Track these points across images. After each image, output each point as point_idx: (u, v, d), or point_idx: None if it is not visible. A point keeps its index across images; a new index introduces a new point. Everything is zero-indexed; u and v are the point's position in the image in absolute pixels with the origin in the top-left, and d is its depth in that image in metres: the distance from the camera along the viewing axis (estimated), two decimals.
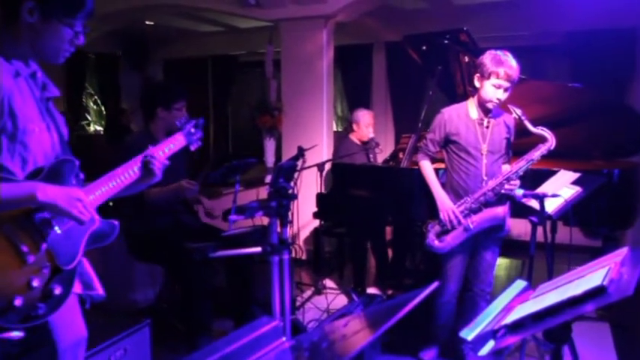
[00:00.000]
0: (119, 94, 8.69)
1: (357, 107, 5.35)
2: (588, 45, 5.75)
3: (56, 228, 1.60)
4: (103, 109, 8.85)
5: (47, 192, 1.51)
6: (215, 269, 3.61)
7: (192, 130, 2.08)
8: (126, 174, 1.79)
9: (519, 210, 2.94)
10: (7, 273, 1.48)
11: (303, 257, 5.40)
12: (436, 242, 2.94)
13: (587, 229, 3.78)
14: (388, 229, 5.01)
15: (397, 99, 7.10)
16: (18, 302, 1.47)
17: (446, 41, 3.74)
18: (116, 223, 1.80)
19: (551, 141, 2.80)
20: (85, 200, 1.59)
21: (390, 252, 4.85)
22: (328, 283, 4.67)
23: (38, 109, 1.63)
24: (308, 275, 4.96)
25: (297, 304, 4.09)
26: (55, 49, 1.63)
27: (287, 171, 3.04)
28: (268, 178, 5.78)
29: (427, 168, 3.07)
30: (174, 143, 2.00)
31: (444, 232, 2.91)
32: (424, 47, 3.93)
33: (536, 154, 2.81)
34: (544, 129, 2.80)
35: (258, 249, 2.90)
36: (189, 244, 3.03)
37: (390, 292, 4.45)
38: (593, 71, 5.66)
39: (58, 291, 1.57)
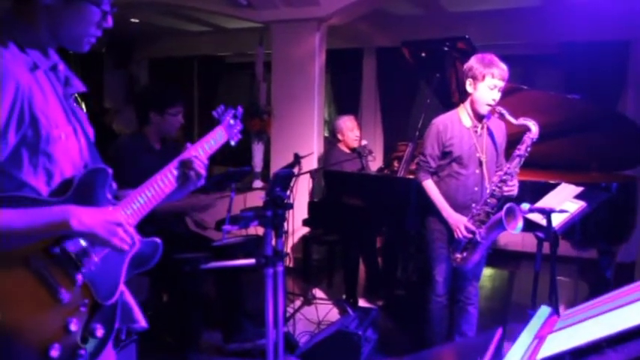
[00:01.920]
0: (102, 93, 8.46)
1: (346, 112, 5.29)
2: (581, 56, 5.73)
3: (93, 256, 1.34)
4: (83, 107, 8.61)
5: (83, 219, 1.25)
6: (203, 279, 3.47)
7: (232, 121, 1.80)
8: (165, 180, 1.52)
9: (524, 224, 2.87)
10: (37, 317, 1.22)
11: (291, 265, 5.27)
12: (459, 261, 2.90)
13: (585, 242, 3.72)
14: (378, 238, 4.92)
15: (387, 105, 7.01)
16: (55, 352, 1.22)
17: (446, 48, 3.66)
18: (159, 241, 1.54)
19: (536, 129, 2.74)
20: (125, 224, 1.34)
21: (380, 261, 4.76)
22: (317, 292, 4.55)
23: (63, 110, 1.35)
24: (296, 284, 4.83)
25: (287, 314, 3.96)
26: (80, 34, 1.35)
27: (283, 179, 2.93)
28: (256, 183, 5.65)
29: (432, 188, 2.97)
30: (215, 138, 1.70)
31: (464, 249, 2.84)
32: (423, 54, 3.84)
33: (523, 147, 2.77)
34: (526, 119, 2.76)
35: (252, 261, 2.78)
36: (179, 254, 2.89)
37: (380, 302, 4.35)
38: (585, 82, 5.65)
39: (100, 332, 1.33)
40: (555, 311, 1.54)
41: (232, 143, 1.82)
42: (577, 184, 3.05)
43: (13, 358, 1.18)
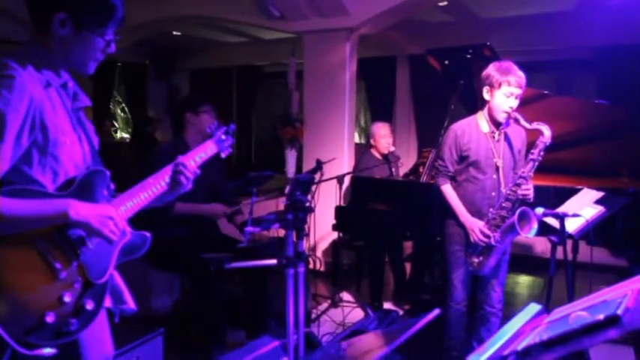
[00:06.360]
0: (146, 103, 8.83)
1: (380, 119, 5.37)
2: (616, 60, 5.64)
3: (88, 243, 1.58)
4: (129, 116, 9.00)
5: (79, 210, 1.50)
6: (232, 280, 3.61)
7: (223, 136, 2.04)
8: (157, 185, 1.76)
9: (540, 228, 2.88)
10: (38, 288, 1.47)
11: (322, 269, 5.38)
12: (476, 265, 2.93)
13: (613, 249, 3.67)
14: (407, 244, 4.98)
15: (420, 112, 7.07)
16: (50, 318, 1.45)
17: (468, 56, 3.70)
18: (147, 235, 1.76)
19: (548, 133, 2.77)
20: (116, 218, 1.57)
21: (408, 267, 4.81)
22: (345, 296, 4.64)
23: (70, 121, 1.60)
24: (325, 287, 4.93)
25: (313, 316, 4.06)
26: (86, 60, 1.60)
27: (304, 184, 3.03)
28: (288, 189, 5.78)
29: (450, 192, 3.02)
30: (205, 151, 1.95)
31: (480, 253, 2.88)
32: (447, 61, 3.90)
33: (536, 151, 2.79)
34: (540, 123, 2.78)
35: (274, 261, 2.89)
36: (206, 254, 3.04)
37: (407, 307, 4.39)
38: (620, 87, 5.55)
39: (89, 306, 1.55)
40: (545, 309, 1.59)
41: (222, 156, 2.06)
42: (604, 190, 3.04)
43: (17, 319, 1.42)
